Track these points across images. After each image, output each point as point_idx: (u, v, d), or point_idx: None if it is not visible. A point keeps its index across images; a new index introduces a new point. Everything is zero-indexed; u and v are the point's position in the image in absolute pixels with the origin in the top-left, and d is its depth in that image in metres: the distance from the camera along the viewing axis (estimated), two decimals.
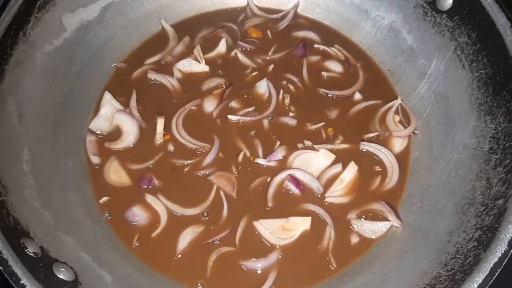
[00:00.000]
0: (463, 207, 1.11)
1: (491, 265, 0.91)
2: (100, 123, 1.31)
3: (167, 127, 1.30)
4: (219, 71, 1.42)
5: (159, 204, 1.20)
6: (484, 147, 1.15)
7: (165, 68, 1.42)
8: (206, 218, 1.19)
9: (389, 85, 1.43)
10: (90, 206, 1.21)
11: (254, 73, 1.42)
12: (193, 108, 1.34)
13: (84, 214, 1.18)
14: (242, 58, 1.44)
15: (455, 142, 1.24)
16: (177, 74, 1.40)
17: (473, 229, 1.03)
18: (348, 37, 1.51)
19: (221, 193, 1.22)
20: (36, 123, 1.20)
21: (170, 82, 1.38)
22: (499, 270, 0.90)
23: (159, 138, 1.29)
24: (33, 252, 0.95)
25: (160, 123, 1.29)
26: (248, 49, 1.46)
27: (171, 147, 1.28)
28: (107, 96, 1.33)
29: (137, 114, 1.32)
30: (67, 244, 1.08)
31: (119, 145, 1.29)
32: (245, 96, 1.37)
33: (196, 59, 1.41)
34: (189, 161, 1.27)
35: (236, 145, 1.29)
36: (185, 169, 1.25)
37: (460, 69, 1.26)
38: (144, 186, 1.23)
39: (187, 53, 1.44)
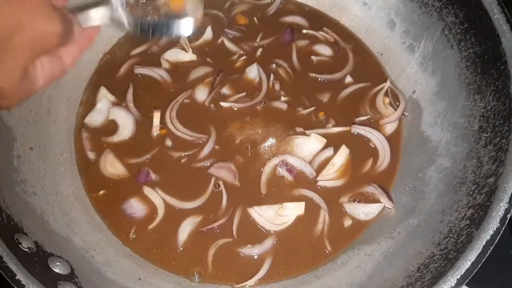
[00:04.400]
0: (454, 186, 1.12)
1: (484, 243, 0.91)
2: (95, 118, 1.30)
3: (161, 121, 1.29)
4: (208, 59, 1.41)
5: (156, 197, 1.20)
6: (474, 126, 1.15)
7: (152, 59, 1.40)
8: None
9: (379, 67, 1.42)
10: (84, 200, 1.21)
11: (243, 58, 1.41)
12: (185, 99, 1.33)
13: (78, 208, 1.18)
14: (229, 45, 1.43)
15: (445, 122, 1.24)
16: (165, 64, 1.39)
17: (465, 207, 1.04)
18: (337, 20, 1.50)
19: (221, 183, 1.22)
20: (25, 118, 1.19)
21: (159, 74, 1.37)
22: (491, 248, 0.91)
23: (155, 131, 1.29)
24: (28, 247, 0.95)
25: (157, 116, 1.29)
26: (235, 36, 1.45)
27: (167, 141, 1.27)
28: (103, 90, 1.33)
29: (134, 109, 1.31)
30: (62, 238, 1.09)
31: (115, 139, 1.28)
32: (236, 81, 1.37)
33: (183, 48, 1.40)
34: (186, 153, 1.26)
35: (231, 133, 1.29)
36: (182, 161, 1.25)
37: (448, 49, 1.26)
38: (142, 181, 1.22)
39: (173, 42, 1.42)
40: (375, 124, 1.32)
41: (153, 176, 1.23)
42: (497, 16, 1.12)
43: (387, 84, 1.36)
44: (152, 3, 0.81)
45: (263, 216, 1.18)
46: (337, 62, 1.42)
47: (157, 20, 0.81)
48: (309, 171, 1.24)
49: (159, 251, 1.15)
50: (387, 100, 1.35)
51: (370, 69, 1.42)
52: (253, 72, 1.37)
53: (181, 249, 1.15)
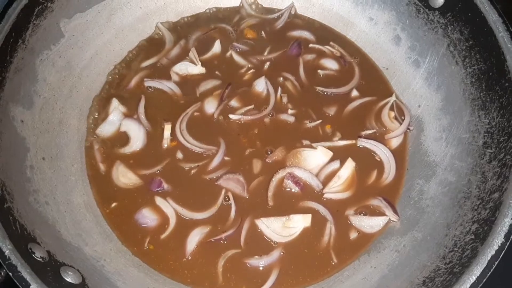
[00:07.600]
0: (459, 200, 1.14)
1: (489, 258, 0.93)
2: (107, 129, 1.33)
3: (172, 133, 1.31)
4: (216, 72, 1.43)
5: (168, 207, 1.22)
6: (478, 142, 1.17)
7: (162, 71, 1.43)
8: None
9: (384, 82, 1.45)
10: (94, 209, 1.23)
11: (251, 71, 1.43)
12: (194, 111, 1.36)
13: (88, 217, 1.20)
14: (237, 58, 1.46)
15: (450, 137, 1.26)
16: (175, 77, 1.41)
17: (470, 222, 1.06)
18: (343, 35, 1.52)
19: (230, 196, 1.23)
20: (38, 129, 1.22)
21: (169, 87, 1.39)
22: (496, 263, 0.93)
23: (166, 143, 1.31)
24: (41, 257, 0.97)
25: (167, 128, 1.31)
26: (244, 50, 1.47)
27: (178, 152, 1.30)
28: (115, 102, 1.35)
29: (145, 121, 1.33)
30: (73, 247, 1.10)
31: (127, 150, 1.30)
32: (244, 94, 1.39)
33: (192, 61, 1.43)
34: (196, 164, 1.28)
35: (240, 145, 1.31)
36: (192, 172, 1.27)
37: (453, 65, 1.29)
38: (154, 189, 1.24)
39: (182, 55, 1.45)
40: (380, 137, 1.34)
41: (165, 185, 1.25)
42: (502, 34, 1.14)
43: (392, 99, 1.39)
44: None
45: (270, 228, 1.19)
46: (343, 76, 1.44)
47: None
48: (315, 183, 1.26)
49: (168, 261, 1.17)
50: (392, 114, 1.37)
51: (376, 84, 1.44)
52: (261, 85, 1.39)
53: (189, 258, 1.17)
